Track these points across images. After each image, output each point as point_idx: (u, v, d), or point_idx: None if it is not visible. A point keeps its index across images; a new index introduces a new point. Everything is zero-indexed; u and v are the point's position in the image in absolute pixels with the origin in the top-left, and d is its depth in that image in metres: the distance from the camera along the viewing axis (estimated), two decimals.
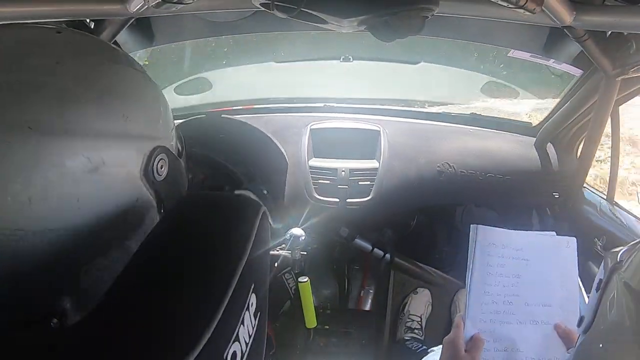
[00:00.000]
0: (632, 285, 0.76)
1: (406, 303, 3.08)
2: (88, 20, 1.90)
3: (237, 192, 2.48)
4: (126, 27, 2.00)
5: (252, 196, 2.44)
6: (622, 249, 0.89)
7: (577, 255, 1.46)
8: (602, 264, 0.92)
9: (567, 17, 1.47)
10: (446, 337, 1.41)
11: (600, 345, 0.80)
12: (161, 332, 0.62)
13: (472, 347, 1.36)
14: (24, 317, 0.72)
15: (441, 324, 3.05)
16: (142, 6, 1.51)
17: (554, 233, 1.51)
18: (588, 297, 1.64)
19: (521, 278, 1.42)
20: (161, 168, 0.90)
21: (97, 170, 0.77)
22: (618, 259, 0.83)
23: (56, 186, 0.71)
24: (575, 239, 1.46)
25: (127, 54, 0.92)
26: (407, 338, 2.86)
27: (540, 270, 1.43)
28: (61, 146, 0.71)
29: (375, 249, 3.11)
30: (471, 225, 1.44)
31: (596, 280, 0.89)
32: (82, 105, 0.76)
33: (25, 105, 0.70)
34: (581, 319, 0.91)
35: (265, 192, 2.63)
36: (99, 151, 0.76)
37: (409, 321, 2.96)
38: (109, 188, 0.79)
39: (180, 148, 1.01)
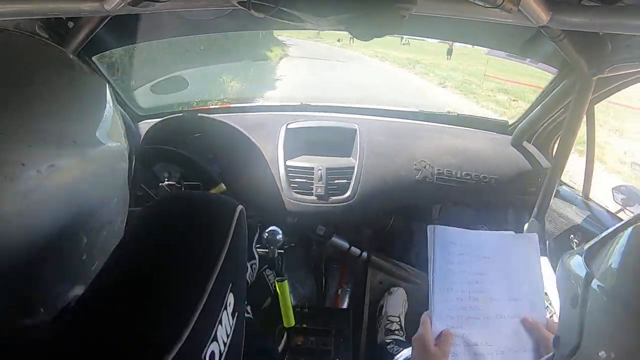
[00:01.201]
0: (612, 290, 0.74)
1: (382, 305, 3.10)
2: (65, 19, 1.88)
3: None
4: (103, 25, 1.98)
5: None
6: (581, 251, 0.87)
7: (540, 250, 1.50)
8: (561, 266, 0.91)
9: (543, 17, 1.47)
10: (414, 335, 1.43)
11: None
12: (139, 331, 0.62)
13: (441, 342, 1.37)
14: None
15: (419, 322, 3.06)
16: (119, 4, 1.49)
17: (512, 232, 1.54)
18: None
19: (485, 275, 1.45)
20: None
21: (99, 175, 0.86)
22: (588, 267, 0.81)
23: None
24: (536, 234, 1.51)
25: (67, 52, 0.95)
26: (388, 341, 2.87)
27: (503, 266, 1.46)
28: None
29: (352, 247, 3.14)
30: (428, 226, 1.46)
31: (567, 290, 0.86)
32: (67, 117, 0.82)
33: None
34: (557, 340, 0.87)
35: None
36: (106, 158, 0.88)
37: (388, 323, 2.98)
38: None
39: None
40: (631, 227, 0.79)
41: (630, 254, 0.76)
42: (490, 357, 1.40)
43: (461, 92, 20.63)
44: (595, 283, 0.77)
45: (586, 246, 0.86)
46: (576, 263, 0.85)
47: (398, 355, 2.05)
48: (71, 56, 0.92)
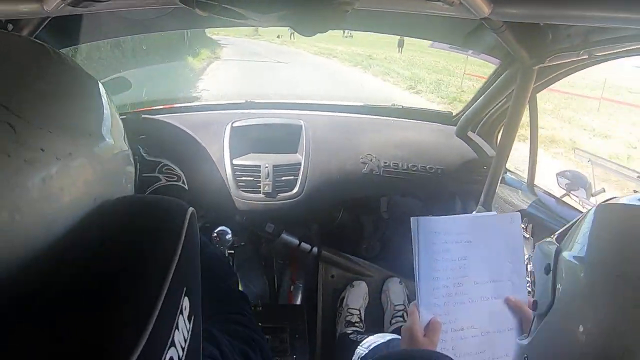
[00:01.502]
0: (581, 256, 0.83)
1: (344, 297, 3.11)
2: (4, 21, 1.82)
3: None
4: (43, 26, 1.93)
5: None
6: (553, 237, 0.92)
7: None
8: (537, 250, 0.97)
9: (485, 9, 1.49)
10: (403, 325, 1.45)
11: (566, 320, 0.84)
12: (95, 342, 0.60)
13: (430, 331, 1.39)
14: None
15: (374, 314, 3.08)
16: (59, 4, 1.45)
17: (494, 213, 1.56)
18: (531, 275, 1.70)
19: (468, 259, 1.47)
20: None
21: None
22: (558, 242, 0.90)
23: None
24: (519, 214, 1.53)
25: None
26: (349, 332, 2.88)
27: (485, 248, 1.48)
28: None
29: (302, 243, 3.14)
30: (411, 218, 1.46)
31: (541, 264, 0.93)
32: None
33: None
34: (535, 303, 0.94)
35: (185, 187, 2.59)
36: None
37: (348, 315, 3.00)
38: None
39: None
40: (594, 207, 0.89)
41: (597, 226, 0.86)
42: (475, 339, 1.45)
43: (442, 100, 17.96)
44: (564, 253, 0.87)
45: (556, 233, 0.96)
46: (547, 243, 0.96)
47: (363, 342, 2.06)
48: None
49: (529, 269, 1.60)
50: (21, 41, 0.87)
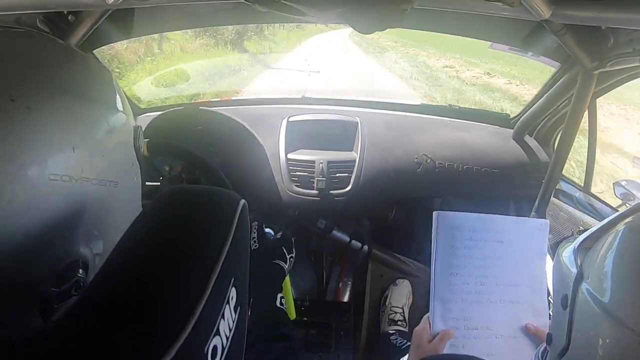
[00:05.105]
0: (600, 298, 0.72)
1: (387, 295, 3.10)
2: (66, 12, 1.87)
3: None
4: (105, 18, 1.97)
5: None
6: (574, 242, 0.87)
7: (548, 238, 1.53)
8: (555, 260, 0.91)
9: (545, 11, 1.46)
10: (415, 327, 1.48)
11: None
12: (141, 327, 0.61)
13: (437, 340, 1.40)
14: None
15: (421, 316, 3.07)
16: None
17: (525, 217, 1.55)
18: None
19: (493, 259, 1.47)
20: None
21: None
22: (578, 266, 0.81)
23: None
24: (547, 221, 1.53)
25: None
26: (391, 332, 2.88)
27: (511, 251, 1.48)
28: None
29: (353, 241, 3.14)
30: (434, 212, 1.48)
31: (558, 291, 0.86)
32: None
33: None
34: (549, 337, 0.89)
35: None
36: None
37: (391, 313, 2.99)
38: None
39: None
40: (622, 227, 0.77)
41: (620, 259, 0.75)
42: (487, 341, 1.44)
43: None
44: (584, 286, 0.76)
45: (579, 238, 0.86)
46: (568, 257, 0.86)
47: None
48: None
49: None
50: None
